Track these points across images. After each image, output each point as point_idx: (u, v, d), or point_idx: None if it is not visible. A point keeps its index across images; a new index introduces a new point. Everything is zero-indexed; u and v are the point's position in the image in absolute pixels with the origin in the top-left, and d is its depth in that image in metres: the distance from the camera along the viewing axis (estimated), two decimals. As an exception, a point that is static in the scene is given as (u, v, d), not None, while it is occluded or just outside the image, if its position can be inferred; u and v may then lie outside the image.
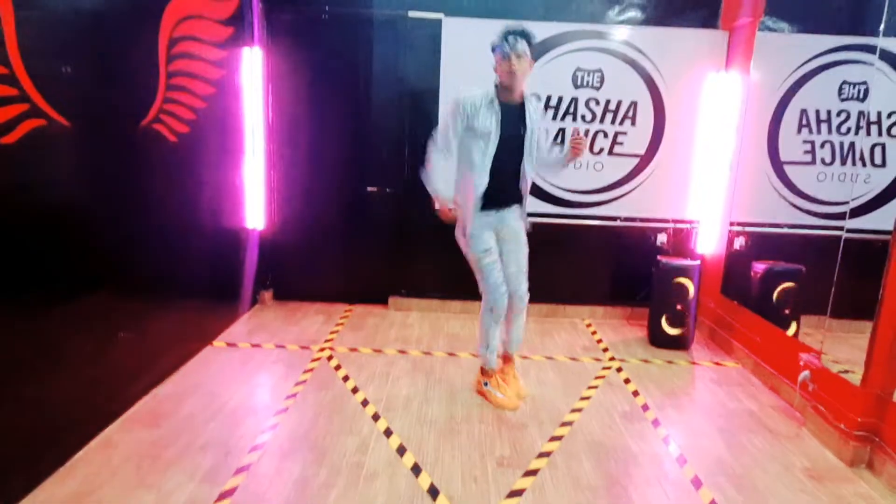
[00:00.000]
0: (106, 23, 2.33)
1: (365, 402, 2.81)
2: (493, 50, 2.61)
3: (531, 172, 2.75)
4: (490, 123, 2.60)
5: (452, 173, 2.77)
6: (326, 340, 3.59)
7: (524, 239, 2.85)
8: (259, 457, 2.32)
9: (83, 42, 2.22)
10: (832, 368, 2.69)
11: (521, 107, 2.68)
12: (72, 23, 2.16)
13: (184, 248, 3.10)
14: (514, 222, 2.80)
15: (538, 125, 2.72)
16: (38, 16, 1.98)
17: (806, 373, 2.80)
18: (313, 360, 3.28)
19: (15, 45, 1.86)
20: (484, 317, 2.81)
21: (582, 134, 2.69)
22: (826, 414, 2.63)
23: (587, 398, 2.97)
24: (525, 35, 2.55)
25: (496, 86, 2.66)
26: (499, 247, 2.78)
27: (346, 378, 3.07)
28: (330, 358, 3.33)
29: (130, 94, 2.54)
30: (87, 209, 2.30)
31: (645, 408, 2.90)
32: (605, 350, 3.66)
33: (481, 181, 2.63)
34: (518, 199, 2.80)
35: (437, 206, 2.79)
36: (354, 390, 2.94)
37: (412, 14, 3.89)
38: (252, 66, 3.77)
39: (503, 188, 2.70)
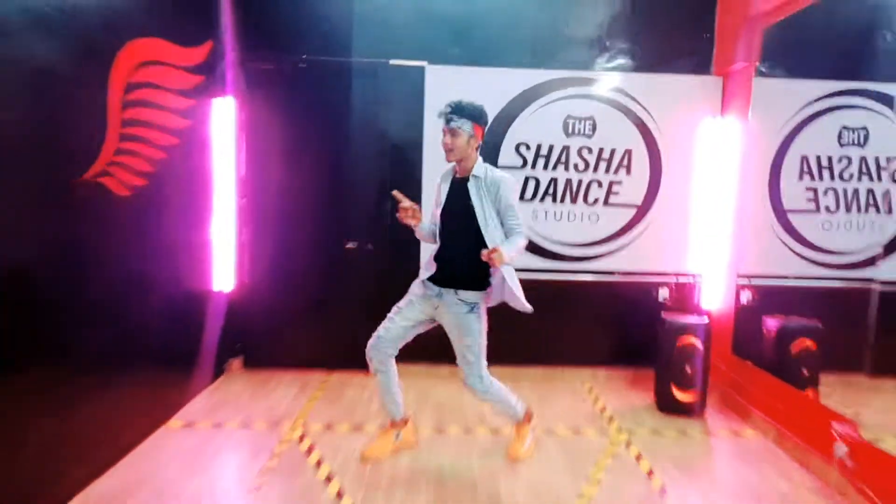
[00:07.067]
0: (36, 64, 2.07)
1: (340, 495, 2.40)
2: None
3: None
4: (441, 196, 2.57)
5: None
6: (299, 417, 3.19)
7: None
8: (207, 575, 1.90)
9: (7, 85, 1.95)
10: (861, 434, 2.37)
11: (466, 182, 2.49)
12: None
13: (135, 314, 2.74)
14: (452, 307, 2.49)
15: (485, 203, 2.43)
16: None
17: (843, 447, 2.47)
18: (282, 442, 2.87)
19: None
20: None
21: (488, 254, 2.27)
22: (873, 497, 2.28)
23: (596, 482, 2.59)
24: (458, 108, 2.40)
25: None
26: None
27: (318, 463, 2.67)
28: (302, 438, 2.92)
29: (68, 145, 2.25)
30: (10, 274, 1.96)
31: (663, 492, 2.52)
32: (611, 420, 3.29)
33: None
34: (462, 283, 2.47)
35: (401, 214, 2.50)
36: (328, 479, 2.53)
37: (394, 62, 3.71)
38: (223, 117, 3.53)
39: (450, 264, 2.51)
